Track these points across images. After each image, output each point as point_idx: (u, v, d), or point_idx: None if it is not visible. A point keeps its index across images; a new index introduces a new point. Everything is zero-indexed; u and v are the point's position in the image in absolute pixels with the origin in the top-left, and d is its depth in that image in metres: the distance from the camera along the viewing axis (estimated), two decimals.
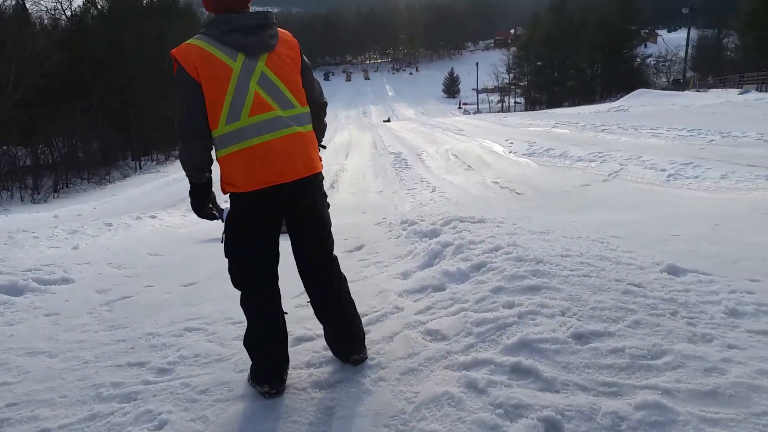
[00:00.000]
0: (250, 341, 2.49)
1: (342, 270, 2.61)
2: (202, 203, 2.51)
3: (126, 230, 7.56)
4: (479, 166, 17.73)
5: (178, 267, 5.19)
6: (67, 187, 26.51)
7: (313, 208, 2.43)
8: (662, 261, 3.41)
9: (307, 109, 2.36)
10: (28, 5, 35.99)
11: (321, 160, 2.46)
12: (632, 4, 76.18)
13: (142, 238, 7.24)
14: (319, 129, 2.53)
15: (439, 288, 3.32)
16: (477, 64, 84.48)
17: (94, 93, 33.21)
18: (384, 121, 65.91)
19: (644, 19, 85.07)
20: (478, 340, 2.59)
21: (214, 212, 2.58)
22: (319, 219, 2.45)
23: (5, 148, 29.29)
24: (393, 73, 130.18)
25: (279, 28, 2.33)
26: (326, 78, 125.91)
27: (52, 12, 38.39)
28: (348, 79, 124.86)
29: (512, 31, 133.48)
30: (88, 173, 28.18)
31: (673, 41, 79.22)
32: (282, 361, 2.47)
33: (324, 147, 2.74)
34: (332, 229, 2.54)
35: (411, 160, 20.99)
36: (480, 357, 2.42)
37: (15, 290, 4.17)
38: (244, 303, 2.52)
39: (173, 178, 22.07)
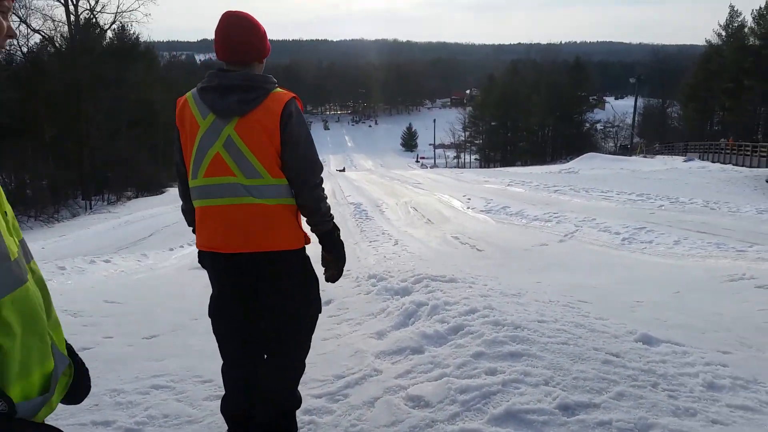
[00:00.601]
0: (225, 408, 2.40)
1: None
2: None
3: (80, 274, 7.25)
4: (439, 220, 17.93)
5: (137, 316, 4.98)
6: None
7: (270, 294, 2.21)
8: (635, 330, 3.48)
9: (279, 181, 2.14)
10: None
11: (301, 239, 2.21)
12: (582, 71, 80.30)
13: (96, 283, 6.95)
14: (303, 206, 2.20)
15: (418, 350, 3.28)
16: (434, 120, 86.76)
17: (46, 130, 32.43)
18: (338, 170, 66.41)
19: (593, 86, 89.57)
20: (464, 408, 2.55)
21: None
22: (277, 313, 2.23)
23: None
24: (352, 125, 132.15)
25: (276, 92, 2.16)
26: None
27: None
28: None
29: (468, 91, 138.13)
30: (36, 211, 27.17)
31: (620, 108, 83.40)
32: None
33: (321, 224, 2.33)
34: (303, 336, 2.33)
35: (371, 211, 21.07)
36: (467, 427, 2.38)
37: None
38: (223, 361, 2.42)
39: (125, 220, 21.49)
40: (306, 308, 2.29)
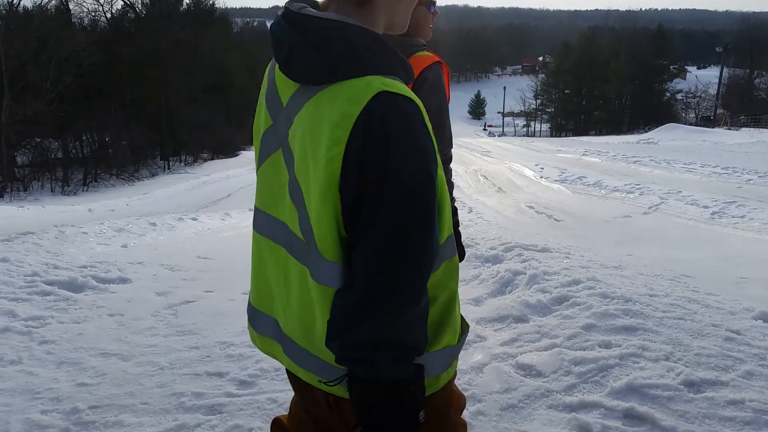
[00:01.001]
0: None
1: None
2: None
3: (170, 231, 7.53)
4: (510, 189, 17.57)
5: (231, 273, 5.11)
6: (95, 181, 26.82)
7: None
8: (752, 307, 3.28)
9: None
10: (70, 6, 36.74)
11: None
12: (664, 39, 75.91)
13: (186, 239, 7.20)
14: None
15: (521, 319, 3.21)
16: (504, 88, 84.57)
17: (128, 93, 33.68)
18: None
19: (675, 54, 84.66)
20: (580, 380, 2.47)
21: None
22: None
23: (39, 140, 29.80)
24: None
25: (422, 54, 1.96)
26: None
27: (93, 13, 39.15)
28: None
29: (540, 58, 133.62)
30: (117, 169, 28.48)
31: (702, 78, 78.56)
32: None
33: None
34: None
35: None
36: (588, 399, 2.30)
37: (74, 287, 4.12)
38: None
39: (203, 181, 22.22)
40: None
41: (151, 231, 7.15)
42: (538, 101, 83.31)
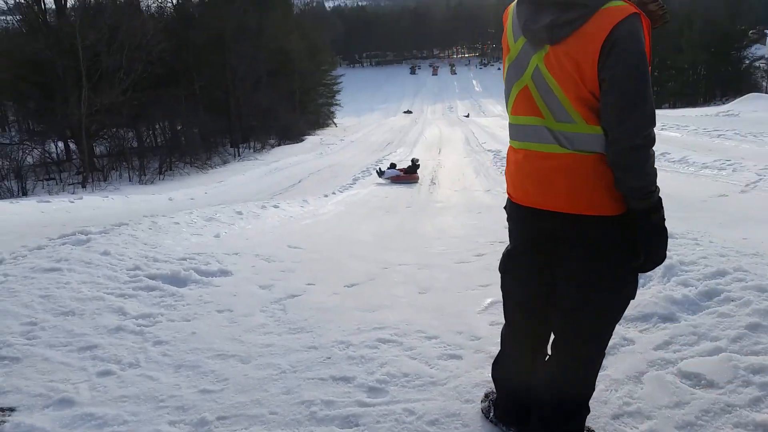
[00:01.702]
0: (497, 371, 2.17)
1: None
2: None
3: (256, 219, 7.50)
4: None
5: (325, 263, 4.98)
6: (170, 170, 27.56)
7: (571, 262, 1.77)
8: None
9: (596, 130, 1.64)
10: None
11: (615, 206, 1.68)
12: (742, 1, 70.99)
13: (272, 228, 7.15)
14: (620, 179, 1.64)
15: (669, 318, 2.87)
16: None
17: (196, 80, 34.36)
18: (464, 116, 63.69)
19: (753, 18, 79.14)
20: (766, 392, 2.14)
21: None
22: (577, 283, 1.78)
23: (114, 130, 30.87)
24: (480, 68, 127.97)
25: (610, 7, 1.57)
26: (412, 72, 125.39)
27: (160, 1, 39.99)
28: (434, 73, 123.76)
29: None
30: (190, 157, 29.19)
31: None
32: (525, 404, 2.09)
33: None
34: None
35: None
36: None
37: (178, 281, 4.05)
38: (505, 321, 2.15)
39: (274, 167, 22.45)
40: (613, 291, 1.78)
41: (238, 220, 7.13)
42: None
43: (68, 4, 30.60)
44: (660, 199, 1.69)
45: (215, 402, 2.45)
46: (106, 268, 4.14)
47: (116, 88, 27.72)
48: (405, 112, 79.18)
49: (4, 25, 37.13)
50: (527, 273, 1.94)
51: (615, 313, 1.86)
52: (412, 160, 18.51)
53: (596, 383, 2.07)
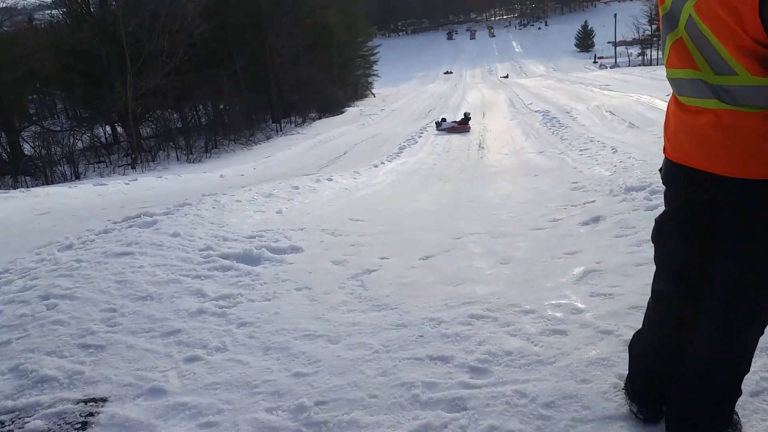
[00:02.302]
0: (637, 344, 1.98)
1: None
2: None
3: (313, 193, 7.39)
4: (644, 123, 16.15)
5: (393, 236, 4.83)
6: (216, 147, 27.84)
7: (734, 233, 1.57)
8: None
9: (763, 81, 1.40)
10: None
11: None
12: None
13: (330, 200, 7.04)
14: None
15: None
16: (615, 15, 78.43)
17: (237, 60, 34.42)
18: (502, 77, 63.19)
19: None
20: None
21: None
22: (739, 258, 1.57)
23: (160, 112, 31.34)
24: (520, 29, 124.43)
25: None
26: (449, 37, 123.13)
27: None
28: (472, 37, 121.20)
29: None
30: (234, 135, 29.44)
31: None
32: (664, 382, 1.88)
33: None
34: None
35: (562, 118, 19.68)
36: None
37: (251, 259, 3.97)
38: (652, 293, 1.91)
39: (318, 140, 22.38)
40: None
41: (296, 194, 7.03)
42: (654, 26, 76.53)
43: None
44: None
45: (311, 386, 2.33)
46: (178, 249, 4.09)
47: (160, 71, 28.06)
48: (445, 73, 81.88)
49: (49, 18, 37.99)
50: (681, 243, 1.70)
51: None
52: (465, 114, 23.05)
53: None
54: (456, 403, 2.14)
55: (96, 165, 25.80)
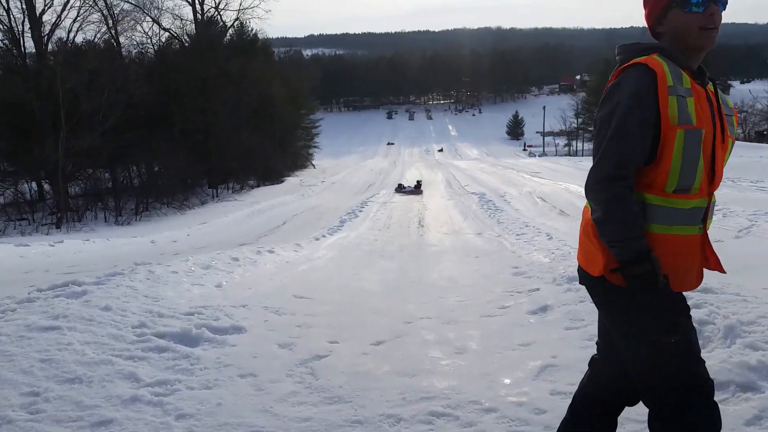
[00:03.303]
0: None
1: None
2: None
3: (253, 266, 7.14)
4: (574, 211, 16.85)
5: (340, 317, 4.67)
6: (147, 210, 26.96)
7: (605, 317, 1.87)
8: None
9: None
10: (121, 40, 37.57)
11: (597, 264, 1.70)
12: (706, 54, 73.76)
13: (271, 275, 6.80)
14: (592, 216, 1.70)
15: (751, 388, 2.63)
16: (544, 107, 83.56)
17: (177, 123, 34.08)
18: (438, 151, 70.63)
19: (717, 69, 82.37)
20: None
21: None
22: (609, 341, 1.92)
23: (91, 171, 30.26)
24: (456, 114, 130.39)
25: (632, 61, 1.71)
26: (389, 116, 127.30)
27: (141, 45, 40.00)
28: (411, 118, 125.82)
29: (578, 77, 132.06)
30: (168, 198, 28.65)
31: (746, 93, 75.97)
32: None
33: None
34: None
35: (497, 201, 20.32)
36: None
37: (189, 340, 3.70)
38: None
39: (257, 209, 22.05)
40: (629, 346, 1.74)
41: (236, 267, 6.77)
42: (580, 120, 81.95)
43: (49, 48, 30.40)
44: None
45: None
46: (109, 326, 3.77)
47: (95, 130, 27.32)
48: (388, 144, 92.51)
49: None
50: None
51: (644, 362, 1.72)
52: (417, 181, 30.62)
53: None
54: None
55: (18, 222, 24.34)
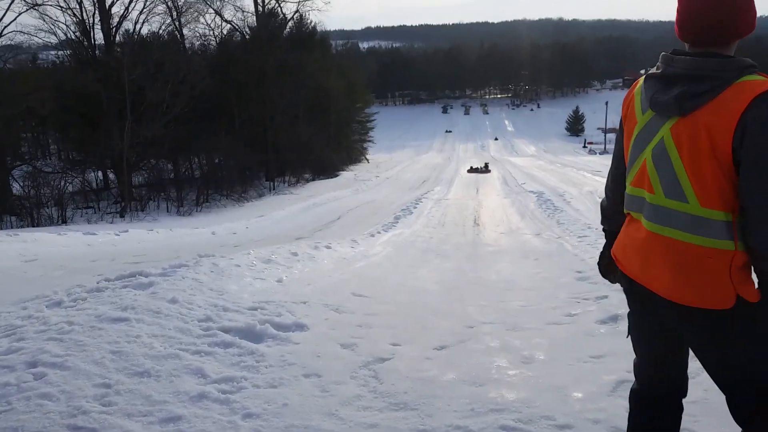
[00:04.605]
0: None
1: None
2: (600, 259, 2.05)
3: (312, 262, 7.18)
4: None
5: (401, 318, 4.60)
6: (207, 201, 27.69)
7: (707, 354, 1.67)
8: None
9: (710, 213, 1.52)
10: (184, 32, 38.61)
11: (732, 297, 1.53)
12: None
13: (329, 272, 6.81)
14: (755, 249, 1.51)
15: None
16: (607, 103, 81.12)
17: (237, 115, 34.83)
18: (494, 140, 74.43)
19: None
20: None
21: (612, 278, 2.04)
22: (723, 371, 1.66)
23: (154, 161, 31.31)
24: (513, 109, 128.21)
25: (746, 81, 1.49)
26: (444, 111, 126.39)
27: (204, 38, 41.02)
28: (467, 113, 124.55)
29: (642, 71, 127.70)
30: (227, 190, 29.36)
31: None
32: None
33: None
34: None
35: (556, 201, 19.83)
36: None
37: (254, 336, 3.72)
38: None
39: (312, 203, 22.31)
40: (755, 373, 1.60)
41: (295, 262, 6.82)
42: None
43: (116, 40, 31.56)
44: None
45: None
46: (176, 318, 3.83)
47: (159, 121, 28.20)
48: (446, 132, 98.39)
49: (53, 59, 38.50)
50: (645, 338, 1.93)
51: None
52: (485, 164, 40.31)
53: None
54: None
55: (84, 210, 25.44)
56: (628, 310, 1.90)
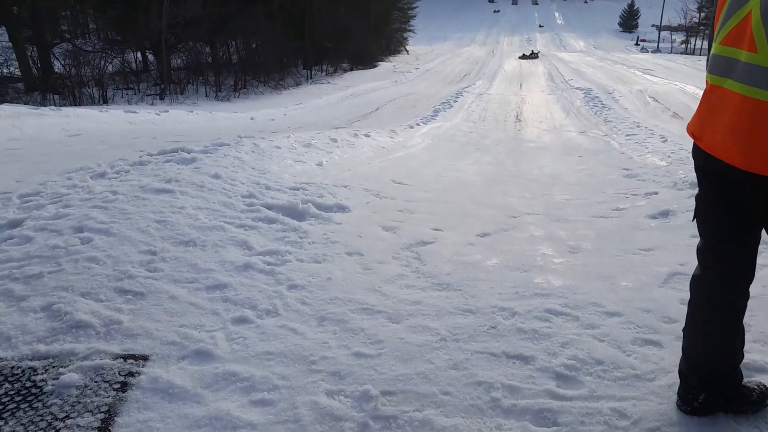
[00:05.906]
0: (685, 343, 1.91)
1: None
2: None
3: (351, 149, 7.08)
4: (689, 114, 15.51)
5: (441, 205, 4.55)
6: (245, 87, 27.39)
7: None
8: None
9: None
10: None
11: None
12: None
13: (369, 159, 6.73)
14: None
15: None
16: None
17: None
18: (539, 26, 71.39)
19: None
20: None
21: None
22: None
23: (192, 44, 30.74)
24: (565, 0, 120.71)
25: None
26: (491, 0, 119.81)
27: None
28: (515, 2, 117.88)
29: None
30: (264, 77, 28.91)
31: None
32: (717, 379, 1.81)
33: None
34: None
35: (604, 98, 19.00)
36: None
37: (296, 214, 3.70)
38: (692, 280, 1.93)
39: (350, 93, 21.90)
40: None
41: (335, 148, 6.72)
42: (702, 14, 73.76)
43: None
44: None
45: (374, 370, 2.08)
46: (219, 193, 3.83)
47: (196, 1, 27.37)
48: (495, 12, 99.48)
49: None
50: (717, 227, 1.81)
51: None
52: (532, 51, 43.35)
53: None
54: (545, 415, 1.87)
55: (125, 91, 25.48)
56: (681, 204, 1.82)
